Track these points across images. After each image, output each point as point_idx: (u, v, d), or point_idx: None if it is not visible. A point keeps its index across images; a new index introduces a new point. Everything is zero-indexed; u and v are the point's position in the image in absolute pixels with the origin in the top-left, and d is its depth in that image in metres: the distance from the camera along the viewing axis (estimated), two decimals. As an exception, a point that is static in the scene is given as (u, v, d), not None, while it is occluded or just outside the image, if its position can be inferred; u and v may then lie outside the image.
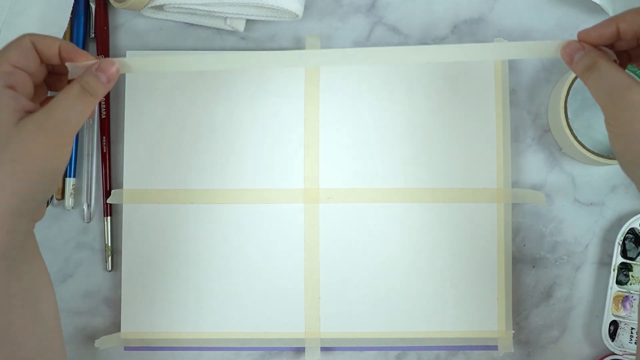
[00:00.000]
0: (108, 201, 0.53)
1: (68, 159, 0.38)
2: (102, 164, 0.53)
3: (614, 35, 0.38)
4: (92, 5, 0.54)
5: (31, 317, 0.38)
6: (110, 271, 0.53)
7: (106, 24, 0.54)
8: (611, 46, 0.40)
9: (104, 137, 0.53)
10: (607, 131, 0.38)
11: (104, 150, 0.53)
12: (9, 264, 0.37)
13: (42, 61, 0.40)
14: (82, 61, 0.40)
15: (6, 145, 0.36)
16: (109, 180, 0.53)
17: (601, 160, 0.50)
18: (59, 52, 0.39)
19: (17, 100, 0.37)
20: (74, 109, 0.38)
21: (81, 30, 0.54)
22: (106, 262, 0.53)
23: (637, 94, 0.36)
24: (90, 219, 0.53)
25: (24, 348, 0.38)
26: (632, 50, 0.40)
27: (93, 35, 0.54)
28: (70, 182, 0.53)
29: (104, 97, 0.50)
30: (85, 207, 0.53)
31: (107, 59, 0.40)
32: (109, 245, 0.53)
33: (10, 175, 0.36)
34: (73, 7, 0.52)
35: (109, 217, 0.53)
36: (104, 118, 0.53)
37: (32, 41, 0.38)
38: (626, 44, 0.40)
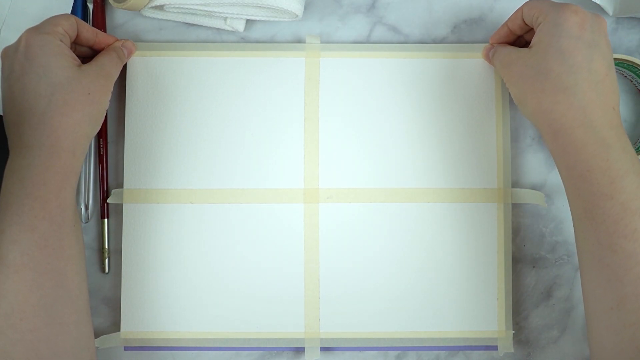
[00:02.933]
0: (108, 201, 0.53)
1: (108, 104, 0.48)
2: (99, 165, 0.53)
3: (509, 33, 0.51)
4: (90, 6, 0.54)
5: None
6: (107, 273, 0.53)
7: (104, 25, 0.54)
8: (515, 40, 0.51)
9: (101, 139, 0.53)
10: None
11: (102, 152, 0.53)
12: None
13: (75, 41, 0.49)
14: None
15: (79, 81, 0.45)
16: (107, 182, 0.53)
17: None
18: (96, 41, 0.50)
19: (72, 52, 0.47)
20: (115, 68, 0.49)
21: None
22: (103, 264, 0.53)
23: (516, 57, 0.47)
24: (88, 220, 0.53)
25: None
26: (525, 35, 0.51)
27: None
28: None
29: None
30: (82, 208, 0.53)
31: (129, 40, 0.52)
32: (107, 247, 0.53)
33: (89, 104, 0.46)
34: (72, 9, 0.52)
35: (106, 220, 0.53)
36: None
37: (76, 21, 0.48)
38: (521, 33, 0.51)
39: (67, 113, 0.44)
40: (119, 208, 0.53)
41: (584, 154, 0.43)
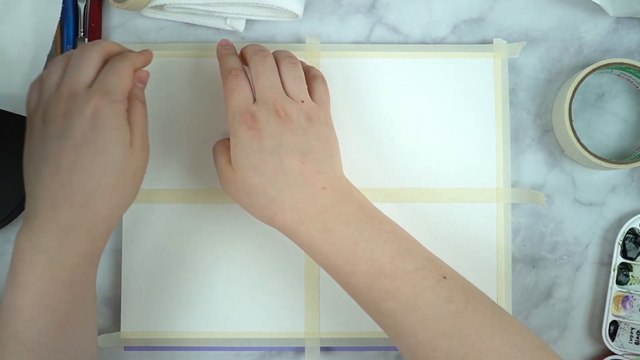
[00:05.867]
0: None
1: None
2: None
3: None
4: (80, 5, 0.54)
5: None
6: None
7: (99, 23, 0.54)
8: None
9: None
10: None
11: None
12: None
13: None
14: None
15: (129, 162, 0.42)
16: None
17: (604, 164, 0.50)
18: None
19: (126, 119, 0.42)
20: (146, 123, 0.44)
21: (71, 29, 0.54)
22: None
23: (225, 178, 0.46)
24: None
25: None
26: None
27: (82, 34, 0.54)
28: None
29: None
30: None
31: (142, 69, 0.46)
32: None
33: (132, 186, 0.43)
34: (63, 7, 0.52)
35: None
36: None
37: (133, 67, 0.44)
38: None
39: (113, 198, 0.41)
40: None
41: (315, 246, 0.44)
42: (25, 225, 0.41)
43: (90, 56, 0.43)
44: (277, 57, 0.47)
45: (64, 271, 0.41)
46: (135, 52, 0.45)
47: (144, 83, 0.46)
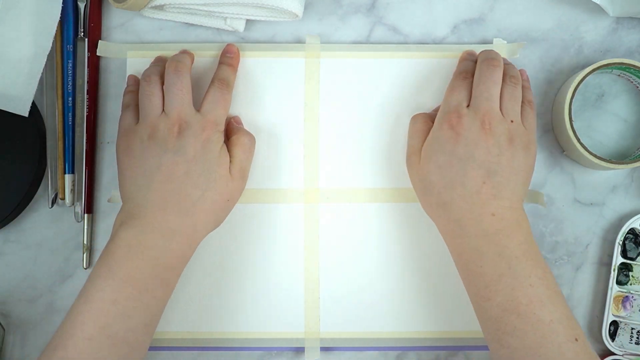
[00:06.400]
0: (109, 201, 0.53)
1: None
2: (85, 160, 0.53)
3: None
4: (80, 5, 0.54)
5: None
6: (86, 269, 0.53)
7: (99, 23, 0.54)
8: None
9: (87, 143, 0.53)
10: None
11: (87, 148, 0.53)
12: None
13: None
14: None
15: (226, 185, 0.47)
16: (87, 177, 0.53)
17: (603, 164, 0.50)
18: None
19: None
20: (248, 158, 0.50)
21: (71, 29, 0.54)
22: (82, 260, 0.53)
23: (410, 163, 0.50)
24: (81, 219, 0.53)
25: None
26: None
27: (82, 34, 0.54)
28: (69, 178, 0.53)
29: (89, 95, 0.53)
30: (79, 209, 0.53)
31: (235, 116, 0.53)
32: (85, 243, 0.53)
33: (224, 210, 0.48)
34: (63, 7, 0.52)
35: (91, 215, 0.53)
36: (87, 115, 0.53)
37: (230, 93, 0.50)
38: None
39: (209, 213, 0.47)
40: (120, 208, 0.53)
41: (462, 261, 0.46)
42: (129, 224, 0.45)
43: (185, 82, 0.48)
44: (504, 71, 0.48)
45: (162, 270, 0.44)
46: (221, 70, 0.51)
47: (239, 123, 0.52)
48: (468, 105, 0.47)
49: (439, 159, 0.46)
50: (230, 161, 0.48)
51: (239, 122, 0.52)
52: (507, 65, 0.49)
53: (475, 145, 0.45)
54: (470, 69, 0.49)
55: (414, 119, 0.50)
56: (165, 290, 0.45)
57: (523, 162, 0.46)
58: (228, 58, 0.52)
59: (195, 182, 0.46)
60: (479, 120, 0.46)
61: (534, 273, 0.44)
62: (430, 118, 0.50)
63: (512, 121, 0.46)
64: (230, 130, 0.51)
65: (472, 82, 0.48)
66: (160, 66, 0.50)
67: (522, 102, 0.48)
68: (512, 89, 0.48)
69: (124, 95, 0.51)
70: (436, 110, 0.50)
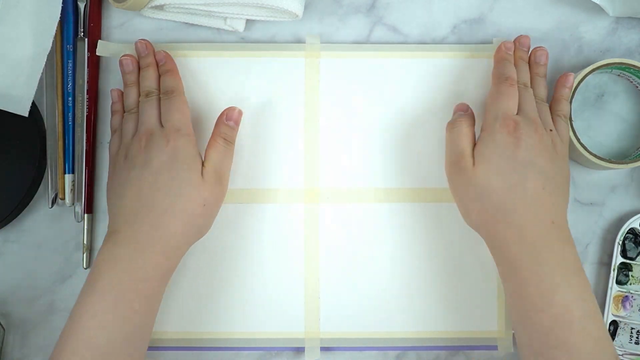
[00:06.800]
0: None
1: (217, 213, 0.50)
2: (85, 160, 0.53)
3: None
4: (80, 5, 0.54)
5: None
6: (86, 269, 0.53)
7: (99, 22, 0.54)
8: None
9: (87, 144, 0.53)
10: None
11: (87, 148, 0.53)
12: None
13: None
14: None
15: (198, 192, 0.47)
16: (87, 176, 0.53)
17: (603, 164, 0.50)
18: None
19: (198, 150, 0.48)
20: (226, 160, 0.49)
21: (71, 29, 0.54)
22: (82, 260, 0.53)
23: (458, 169, 0.48)
24: (81, 219, 0.53)
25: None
26: None
27: (82, 34, 0.54)
28: (69, 178, 0.53)
29: (89, 95, 0.53)
30: (79, 209, 0.53)
31: (230, 107, 0.51)
32: (85, 243, 0.53)
33: (201, 216, 0.47)
34: (63, 7, 0.52)
35: (91, 215, 0.53)
36: (87, 115, 0.53)
37: (184, 96, 0.50)
38: None
39: (184, 221, 0.46)
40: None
41: (518, 268, 0.44)
42: (108, 238, 0.46)
43: (155, 106, 0.49)
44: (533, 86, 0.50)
45: (137, 282, 0.44)
46: (163, 81, 0.50)
47: (233, 120, 0.51)
48: (517, 113, 0.48)
49: (499, 163, 0.46)
50: (204, 165, 0.48)
51: (231, 118, 0.51)
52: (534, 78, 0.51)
53: (536, 152, 0.46)
54: (513, 75, 0.49)
55: (456, 123, 0.49)
56: (147, 302, 0.45)
57: (567, 171, 0.47)
58: (165, 64, 0.51)
59: (164, 192, 0.46)
60: (532, 128, 0.46)
61: (586, 288, 0.44)
62: (471, 122, 0.49)
63: (551, 130, 0.48)
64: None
65: (518, 87, 0.49)
66: (135, 77, 0.51)
67: (558, 115, 0.50)
68: (545, 104, 0.50)
69: (111, 115, 0.52)
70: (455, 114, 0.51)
